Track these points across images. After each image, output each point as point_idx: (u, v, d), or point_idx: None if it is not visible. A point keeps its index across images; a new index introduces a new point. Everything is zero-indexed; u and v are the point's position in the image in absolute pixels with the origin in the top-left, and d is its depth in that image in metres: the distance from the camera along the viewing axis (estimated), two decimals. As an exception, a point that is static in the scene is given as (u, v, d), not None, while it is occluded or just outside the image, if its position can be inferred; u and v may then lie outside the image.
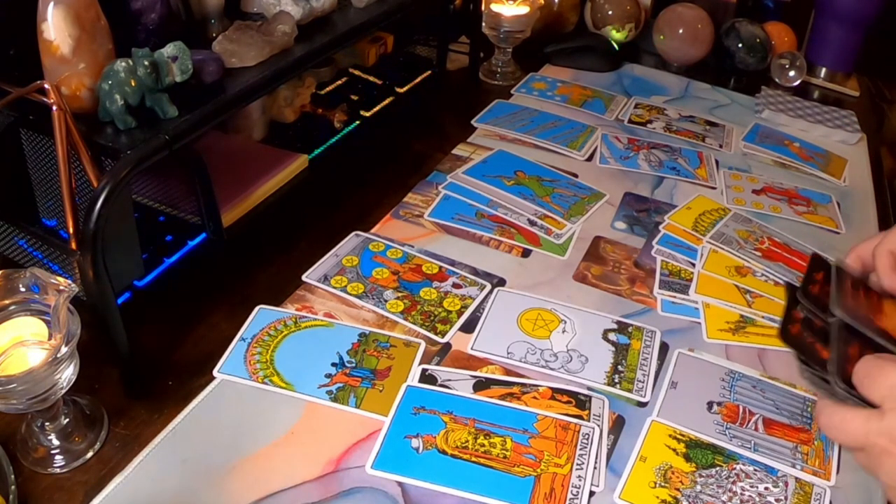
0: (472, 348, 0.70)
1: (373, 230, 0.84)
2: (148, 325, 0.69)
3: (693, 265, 0.83)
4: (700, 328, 0.75)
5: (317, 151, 0.87)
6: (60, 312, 0.52)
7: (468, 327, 0.72)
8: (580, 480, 0.59)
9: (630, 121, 1.12)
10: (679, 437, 0.63)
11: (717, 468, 0.61)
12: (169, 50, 0.61)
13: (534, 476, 0.59)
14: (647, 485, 0.59)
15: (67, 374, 0.54)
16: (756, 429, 0.65)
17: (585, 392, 0.66)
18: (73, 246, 0.60)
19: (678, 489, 0.59)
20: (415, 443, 0.61)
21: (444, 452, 0.60)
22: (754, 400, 0.67)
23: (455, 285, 0.77)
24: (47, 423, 0.58)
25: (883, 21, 1.25)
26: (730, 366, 0.71)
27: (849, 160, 1.08)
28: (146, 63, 0.59)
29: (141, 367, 0.64)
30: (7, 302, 0.55)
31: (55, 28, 0.58)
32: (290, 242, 0.82)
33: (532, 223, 0.87)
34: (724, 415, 0.66)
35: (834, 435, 0.49)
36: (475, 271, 0.79)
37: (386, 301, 0.74)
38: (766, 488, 0.60)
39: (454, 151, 1.00)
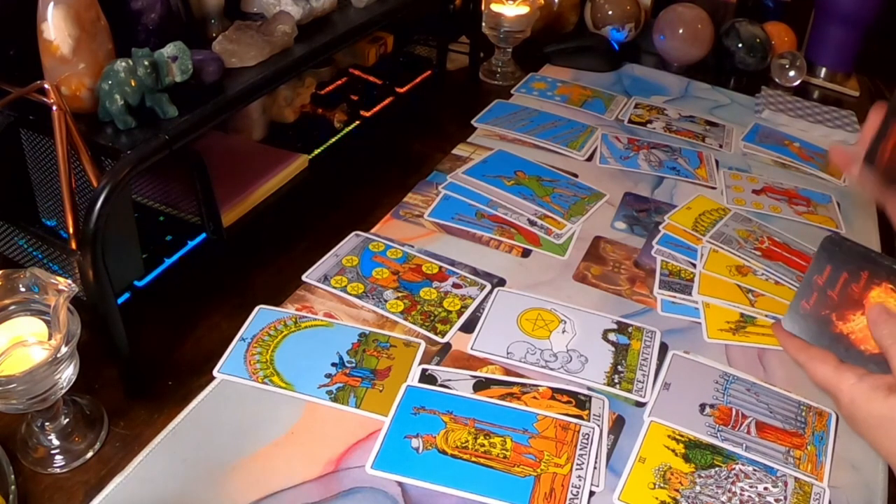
0: (472, 348, 0.70)
1: (373, 230, 0.84)
2: (148, 325, 0.69)
3: (693, 265, 0.83)
4: (700, 328, 0.75)
5: (317, 151, 0.87)
6: (60, 312, 0.52)
7: (468, 327, 0.72)
8: (580, 480, 0.59)
9: (630, 121, 1.12)
10: (678, 437, 0.63)
11: (717, 468, 0.61)
12: (169, 50, 0.61)
13: (534, 476, 0.59)
14: (646, 486, 0.59)
15: (67, 374, 0.54)
16: (748, 432, 0.64)
17: (585, 392, 0.66)
18: (73, 246, 0.60)
19: (677, 490, 0.59)
20: (415, 443, 0.61)
21: (444, 452, 0.60)
22: (748, 403, 0.67)
23: (455, 285, 0.77)
24: (47, 423, 0.58)
25: (883, 21, 1.25)
26: (725, 368, 0.71)
27: (849, 160, 1.08)
28: (146, 63, 0.59)
29: (141, 367, 0.64)
30: (7, 302, 0.55)
31: (55, 28, 0.58)
32: (290, 242, 0.82)
33: (532, 223, 0.87)
34: (716, 417, 0.65)
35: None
36: (475, 271, 0.79)
37: (386, 301, 0.74)
38: (766, 488, 0.60)
39: (454, 151, 1.00)
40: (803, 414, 0.67)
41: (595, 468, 0.60)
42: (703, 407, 0.66)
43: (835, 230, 0.92)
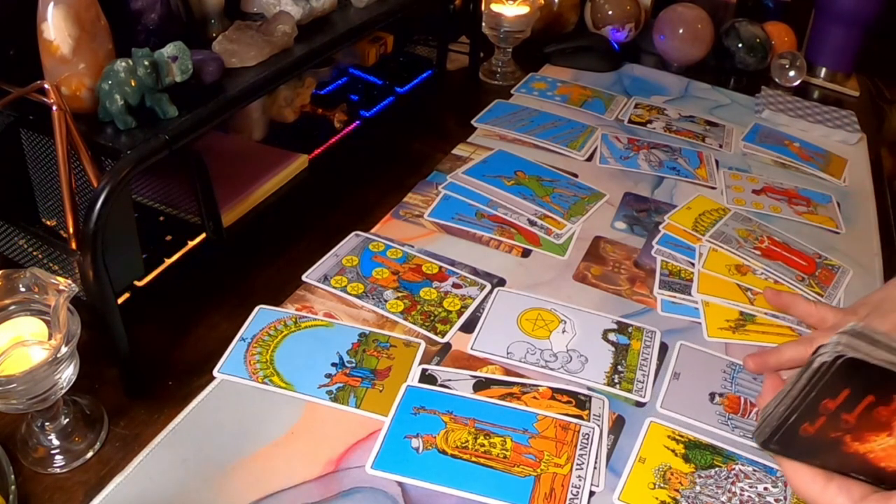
0: (472, 348, 0.70)
1: (373, 230, 0.84)
2: (148, 325, 0.69)
3: (693, 265, 0.83)
4: (700, 328, 0.75)
5: (317, 151, 0.87)
6: (60, 312, 0.52)
7: (468, 327, 0.72)
8: (580, 480, 0.59)
9: (630, 121, 1.12)
10: (678, 437, 0.63)
11: (716, 469, 0.61)
12: (169, 50, 0.61)
13: (534, 476, 0.59)
14: (646, 486, 0.59)
15: (67, 374, 0.54)
16: (758, 419, 0.65)
17: (585, 392, 0.66)
18: (73, 246, 0.60)
19: (677, 490, 0.59)
20: (415, 443, 0.61)
21: (444, 452, 0.60)
22: (755, 391, 0.68)
23: (455, 285, 0.77)
24: (47, 423, 0.58)
25: (883, 21, 1.25)
26: (730, 358, 0.71)
27: (849, 160, 1.08)
28: (146, 63, 0.59)
29: (141, 367, 0.64)
30: (7, 302, 0.55)
31: (55, 28, 0.58)
32: (290, 242, 0.82)
33: (532, 223, 0.87)
34: (725, 405, 0.66)
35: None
36: (475, 271, 0.79)
37: (386, 301, 0.74)
38: (766, 488, 0.60)
39: (454, 151, 1.00)
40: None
41: (595, 468, 0.60)
42: (712, 396, 0.67)
43: (835, 230, 0.92)
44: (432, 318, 0.73)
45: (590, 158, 1.01)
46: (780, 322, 0.76)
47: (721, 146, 1.07)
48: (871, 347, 0.41)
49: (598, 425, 0.63)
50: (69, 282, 0.53)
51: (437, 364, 0.68)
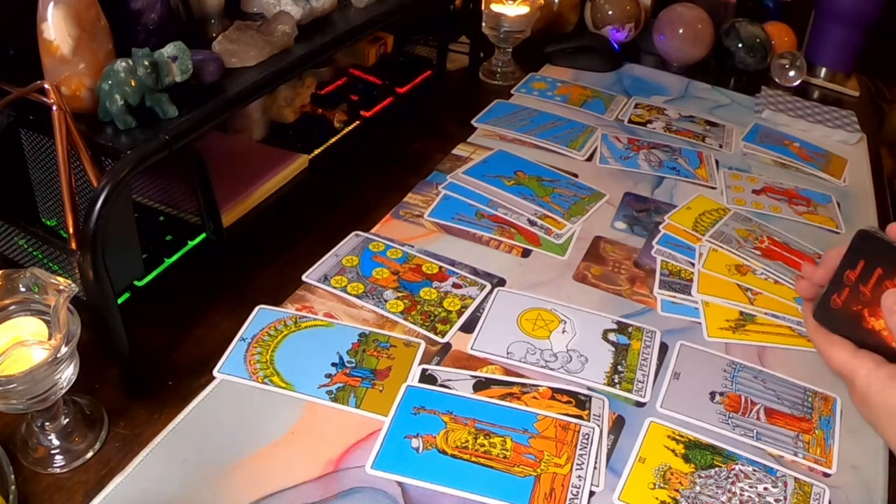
0: (472, 348, 0.70)
1: (373, 230, 0.84)
2: (148, 325, 0.69)
3: (693, 265, 0.83)
4: (700, 328, 0.75)
5: (317, 151, 0.87)
6: (60, 312, 0.52)
7: (468, 327, 0.72)
8: (580, 480, 0.59)
9: (630, 121, 1.12)
10: (678, 437, 0.63)
11: (716, 469, 0.61)
12: (169, 50, 0.61)
13: (534, 476, 0.59)
14: (646, 486, 0.59)
15: (67, 374, 0.54)
16: (758, 418, 0.65)
17: (585, 392, 0.66)
18: (73, 246, 0.60)
19: (677, 490, 0.59)
20: (415, 443, 0.61)
21: (444, 452, 0.60)
22: (756, 390, 0.68)
23: (455, 285, 0.77)
24: (47, 423, 0.58)
25: (883, 21, 1.25)
26: (731, 357, 0.71)
27: (849, 160, 1.08)
28: (146, 63, 0.59)
29: (141, 367, 0.64)
30: (7, 302, 0.55)
31: (55, 28, 0.58)
32: (290, 242, 0.82)
33: (532, 223, 0.87)
34: (726, 405, 0.66)
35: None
36: (475, 271, 0.79)
37: (386, 301, 0.74)
38: (766, 488, 0.60)
39: (454, 151, 1.00)
40: (809, 399, 0.67)
41: (595, 468, 0.60)
42: (713, 395, 0.67)
43: (835, 230, 0.92)
44: (432, 318, 0.73)
45: (590, 158, 1.01)
46: (780, 322, 0.76)
47: (721, 146, 1.07)
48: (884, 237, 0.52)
49: (598, 425, 0.63)
50: (69, 282, 0.53)
51: (437, 364, 0.68)
